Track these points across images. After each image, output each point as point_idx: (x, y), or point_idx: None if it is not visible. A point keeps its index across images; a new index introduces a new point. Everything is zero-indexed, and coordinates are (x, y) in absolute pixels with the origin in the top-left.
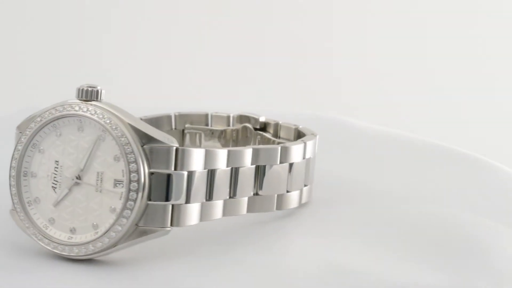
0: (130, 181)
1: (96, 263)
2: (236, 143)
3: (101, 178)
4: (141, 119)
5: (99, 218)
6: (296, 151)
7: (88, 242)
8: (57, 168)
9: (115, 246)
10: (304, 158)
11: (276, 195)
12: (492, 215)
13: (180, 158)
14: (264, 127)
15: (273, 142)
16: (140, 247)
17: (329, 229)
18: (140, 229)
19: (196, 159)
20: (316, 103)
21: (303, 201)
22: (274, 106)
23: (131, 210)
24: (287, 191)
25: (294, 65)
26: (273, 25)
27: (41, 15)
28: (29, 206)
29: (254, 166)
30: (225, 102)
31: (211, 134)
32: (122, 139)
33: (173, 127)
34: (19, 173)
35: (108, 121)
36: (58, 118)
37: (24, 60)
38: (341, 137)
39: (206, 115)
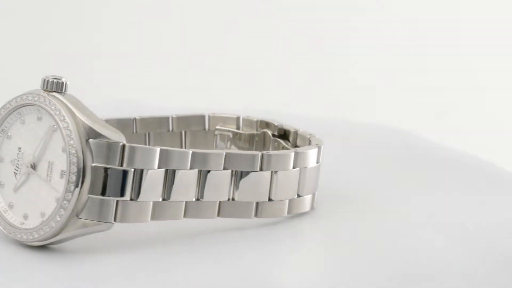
0: (69, 173)
1: (51, 251)
2: (257, 147)
3: (51, 168)
4: (172, 118)
5: (46, 207)
6: (281, 160)
7: (33, 229)
8: (19, 154)
9: (57, 235)
10: (295, 167)
11: (255, 202)
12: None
13: (127, 155)
14: (284, 134)
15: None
16: (94, 238)
17: (292, 243)
18: (82, 221)
19: (148, 158)
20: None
21: (297, 211)
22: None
23: (69, 201)
24: (270, 199)
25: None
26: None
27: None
28: None
29: (229, 170)
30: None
31: (235, 136)
32: (67, 131)
33: (207, 127)
34: None
35: (57, 113)
36: (22, 106)
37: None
38: (406, 152)
39: (238, 118)
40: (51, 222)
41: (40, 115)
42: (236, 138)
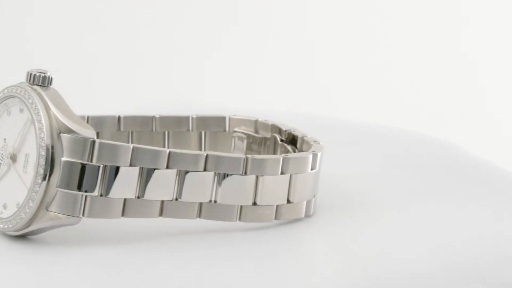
0: (38, 165)
1: (31, 242)
2: (268, 151)
3: (27, 159)
4: (192, 118)
5: (21, 198)
6: (268, 164)
7: (8, 219)
8: (4, 145)
9: (28, 227)
10: (284, 173)
11: (238, 205)
12: None
13: (97, 151)
14: (292, 139)
15: None
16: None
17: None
18: (51, 214)
19: (118, 155)
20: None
21: (288, 217)
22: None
23: (36, 193)
24: (255, 203)
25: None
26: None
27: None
28: None
29: (211, 172)
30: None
31: (249, 139)
32: (39, 124)
33: (227, 129)
34: None
35: (33, 106)
36: (8, 98)
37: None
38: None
39: (256, 121)
40: (21, 213)
41: (22, 108)
42: (250, 141)
